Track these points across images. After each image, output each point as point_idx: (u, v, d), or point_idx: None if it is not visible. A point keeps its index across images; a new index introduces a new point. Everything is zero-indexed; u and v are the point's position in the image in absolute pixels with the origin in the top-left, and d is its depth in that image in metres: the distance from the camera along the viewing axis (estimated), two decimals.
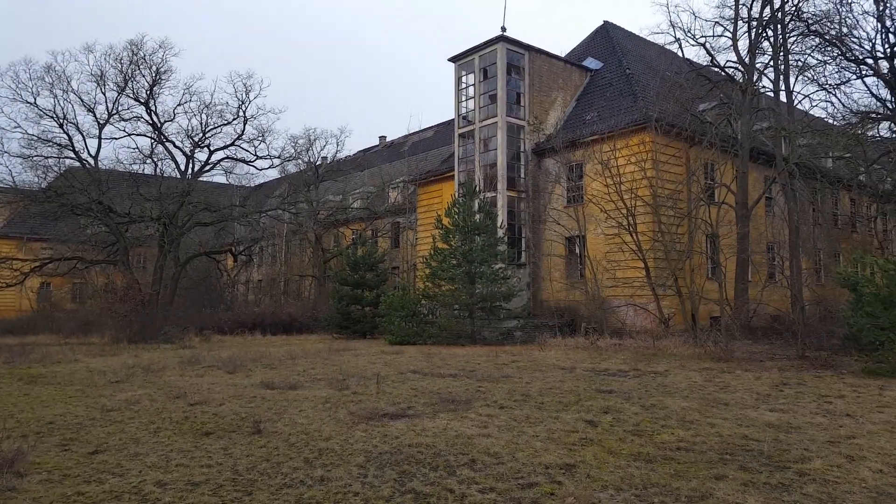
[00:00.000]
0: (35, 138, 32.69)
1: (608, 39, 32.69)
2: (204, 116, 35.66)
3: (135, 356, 18.32)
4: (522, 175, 28.17)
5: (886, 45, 20.33)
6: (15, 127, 32.89)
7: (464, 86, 30.54)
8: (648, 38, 28.79)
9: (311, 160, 40.86)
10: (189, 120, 44.23)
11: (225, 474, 5.88)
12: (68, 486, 5.54)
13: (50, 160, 33.39)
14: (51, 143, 33.06)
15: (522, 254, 27.09)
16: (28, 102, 32.24)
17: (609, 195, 21.91)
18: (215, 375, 13.13)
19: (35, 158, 32.95)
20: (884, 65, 20.44)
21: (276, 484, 5.60)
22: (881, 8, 20.02)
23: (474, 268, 22.16)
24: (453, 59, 30.74)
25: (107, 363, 16.39)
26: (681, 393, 10.11)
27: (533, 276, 26.76)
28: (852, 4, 49.20)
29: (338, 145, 41.78)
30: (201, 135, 35.49)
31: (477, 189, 25.00)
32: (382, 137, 54.27)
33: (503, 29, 28.97)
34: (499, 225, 25.12)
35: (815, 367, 12.65)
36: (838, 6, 21.01)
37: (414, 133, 48.30)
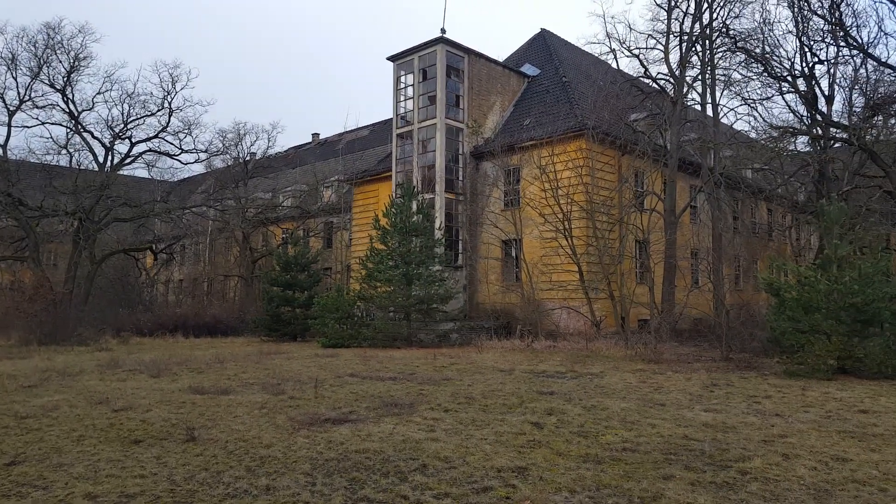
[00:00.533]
0: None
1: (545, 47, 33.36)
2: (126, 106, 33.86)
3: (47, 359, 17.18)
4: (461, 177, 28.26)
5: (804, 65, 21.77)
6: None
7: (403, 86, 30.34)
8: (584, 48, 29.57)
9: (241, 155, 39.46)
10: (109, 110, 41.74)
11: (161, 485, 5.51)
12: None
13: None
14: None
15: (459, 256, 27.19)
16: None
17: (546, 199, 22.31)
18: (139, 380, 12.42)
19: None
20: (801, 83, 21.86)
21: (219, 494, 5.27)
22: (800, 29, 21.41)
23: (412, 269, 22.02)
24: (392, 59, 30.50)
25: (16, 367, 15.22)
26: (618, 394, 10.35)
27: (469, 278, 26.91)
28: (774, 24, 52.57)
29: (269, 141, 40.81)
30: (123, 125, 33.66)
31: (416, 190, 24.87)
32: (315, 135, 53.22)
33: (443, 31, 29.02)
34: (437, 227, 25.11)
35: (740, 368, 13.30)
36: (762, 25, 22.28)
37: (349, 131, 47.60)
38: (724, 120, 24.59)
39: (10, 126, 32.17)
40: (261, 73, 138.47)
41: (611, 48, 24.96)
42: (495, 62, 30.67)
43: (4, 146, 32.11)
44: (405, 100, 30.28)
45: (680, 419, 8.15)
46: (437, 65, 28.47)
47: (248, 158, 40.33)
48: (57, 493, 5.29)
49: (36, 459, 6.29)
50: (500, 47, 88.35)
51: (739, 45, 22.08)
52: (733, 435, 7.16)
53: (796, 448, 6.51)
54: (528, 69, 32.33)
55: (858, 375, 11.52)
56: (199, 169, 40.29)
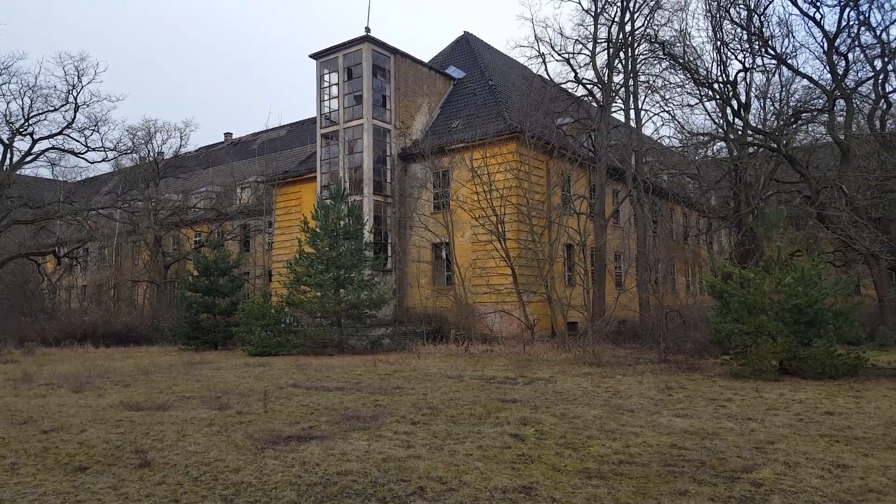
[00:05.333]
0: None
1: (469, 50, 33.49)
2: (27, 100, 30.87)
3: None
4: (389, 179, 27.72)
5: (723, 73, 23.01)
6: None
7: (327, 84, 29.42)
8: (514, 50, 30.10)
9: (151, 154, 36.84)
10: (7, 104, 37.88)
11: None
12: None
13: None
14: None
15: (389, 260, 26.61)
16: None
17: (479, 202, 22.24)
18: (60, 395, 11.26)
19: None
20: (718, 90, 23.07)
21: None
22: (718, 37, 22.61)
23: (343, 274, 21.26)
24: (316, 56, 29.52)
25: None
26: (580, 400, 10.28)
27: (399, 282, 26.40)
28: (693, 34, 55.49)
29: (181, 140, 38.06)
30: (23, 121, 30.69)
31: (345, 192, 24.08)
32: (228, 134, 50.71)
33: (367, 29, 28.39)
34: (368, 229, 24.43)
35: (682, 370, 13.67)
36: (682, 34, 23.39)
37: (265, 131, 45.69)
38: (649, 124, 25.70)
39: None
40: (174, 69, 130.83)
41: (539, 52, 25.39)
42: (422, 63, 30.40)
43: None
44: (329, 99, 29.37)
45: (657, 426, 8.12)
46: (363, 64, 27.81)
47: (158, 157, 37.70)
48: None
49: None
50: (424, 49, 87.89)
51: (666, 51, 23.00)
52: (720, 442, 7.18)
53: (792, 455, 6.56)
54: (454, 71, 32.30)
55: (801, 376, 11.98)
56: (104, 168, 37.55)
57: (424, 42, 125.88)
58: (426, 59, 32.18)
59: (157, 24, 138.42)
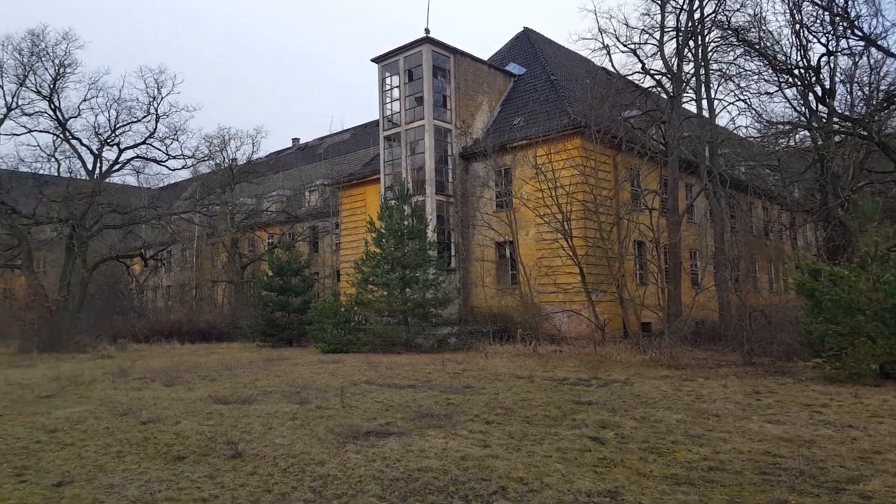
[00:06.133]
0: None
1: (530, 45, 33.11)
2: (113, 112, 32.85)
3: (52, 367, 16.87)
4: (451, 179, 27.75)
5: (803, 57, 21.70)
6: None
7: (388, 87, 29.80)
8: (576, 43, 29.60)
9: (226, 161, 38.46)
10: (96, 116, 40.42)
11: None
12: None
13: None
14: None
15: (452, 259, 26.64)
16: None
17: (543, 199, 21.92)
18: (154, 389, 11.92)
19: None
20: (799, 76, 21.76)
21: None
22: (796, 20, 21.32)
23: (408, 273, 21.45)
24: (377, 60, 29.93)
25: (26, 375, 14.82)
26: (660, 404, 9.93)
27: (463, 281, 26.38)
28: (769, 16, 52.73)
29: (253, 146, 39.48)
30: (110, 132, 32.72)
31: (408, 192, 24.27)
32: (295, 140, 52.20)
33: (427, 31, 28.52)
34: (431, 229, 24.56)
35: (769, 373, 12.94)
36: (758, 18, 22.20)
37: (330, 136, 46.79)
38: (721, 116, 24.62)
39: None
40: (244, 77, 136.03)
41: (604, 44, 24.81)
42: (481, 61, 30.29)
43: None
44: (391, 101, 29.73)
45: (748, 432, 7.72)
46: (424, 65, 27.96)
47: (232, 164, 39.29)
48: None
49: (84, 479, 5.78)
50: (483, 47, 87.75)
51: (740, 38, 21.89)
52: (818, 450, 6.74)
53: None
54: (514, 68, 32.01)
55: None
56: (183, 175, 39.50)
57: (484, 40, 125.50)
58: (486, 57, 32.07)
59: (228, 36, 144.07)
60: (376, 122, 37.22)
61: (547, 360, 16.89)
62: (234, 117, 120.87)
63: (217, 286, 39.60)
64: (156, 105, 33.15)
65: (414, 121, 28.06)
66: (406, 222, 22.30)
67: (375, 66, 29.80)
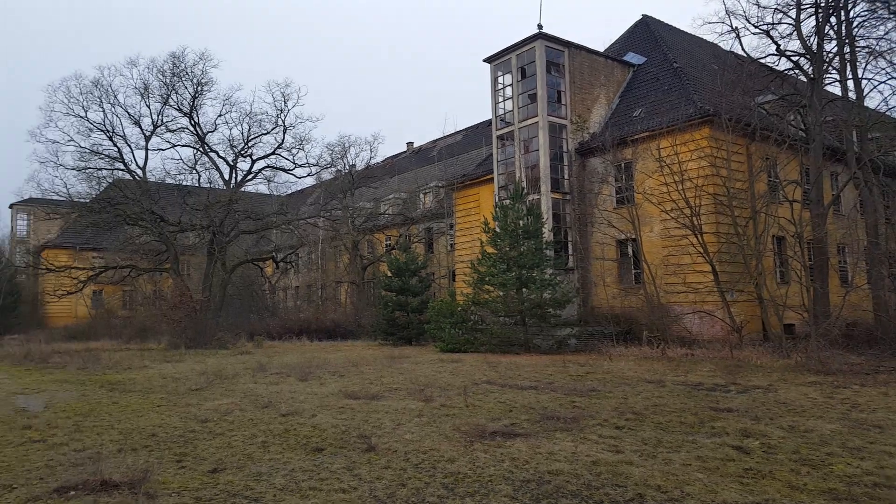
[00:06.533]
0: (87, 151, 33.46)
1: (649, 33, 31.68)
2: (245, 126, 35.55)
3: (199, 362, 18.33)
4: (566, 176, 27.13)
5: None
6: (69, 140, 33.37)
7: (501, 86, 29.76)
8: (701, 28, 27.96)
9: (346, 167, 40.37)
10: (230, 130, 44.21)
11: (368, 503, 5.16)
12: None
13: (102, 172, 33.88)
14: (102, 156, 33.51)
15: (570, 258, 26.03)
16: (79, 116, 32.76)
17: (668, 194, 20.80)
18: (289, 383, 12.72)
19: (88, 170, 33.58)
20: None
21: None
22: None
23: (524, 273, 21.23)
24: (489, 60, 29.99)
25: (176, 369, 16.26)
26: (810, 412, 9.03)
27: (582, 281, 25.68)
28: None
29: (371, 152, 41.21)
30: (243, 144, 35.51)
31: (523, 191, 24.01)
32: (409, 143, 53.59)
33: (539, 27, 28.08)
34: (547, 228, 24.15)
35: None
36: None
37: (442, 138, 47.55)
38: (871, 97, 22.11)
39: (147, 150, 35.03)
40: (361, 83, 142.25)
41: (732, 27, 23.01)
42: (597, 53, 29.40)
43: (144, 168, 35.06)
44: (504, 100, 29.66)
45: None
46: (537, 61, 27.59)
47: (352, 169, 41.13)
48: None
49: (235, 467, 6.21)
50: (598, 39, 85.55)
51: (892, 10, 19.50)
52: None
53: None
54: (633, 58, 30.76)
55: None
56: (308, 182, 42.01)
57: (599, 32, 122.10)
58: (601, 49, 31.08)
59: (345, 46, 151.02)
60: (488, 122, 37.33)
61: (678, 363, 15.99)
62: (352, 124, 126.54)
63: (340, 286, 41.51)
64: (283, 117, 35.46)
65: (527, 118, 27.77)
66: (521, 221, 22.10)
67: (487, 66, 29.87)
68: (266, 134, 35.82)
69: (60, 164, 33.43)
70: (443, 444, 7.12)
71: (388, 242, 40.03)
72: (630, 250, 24.54)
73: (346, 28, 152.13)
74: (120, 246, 37.37)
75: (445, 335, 21.32)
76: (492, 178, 29.45)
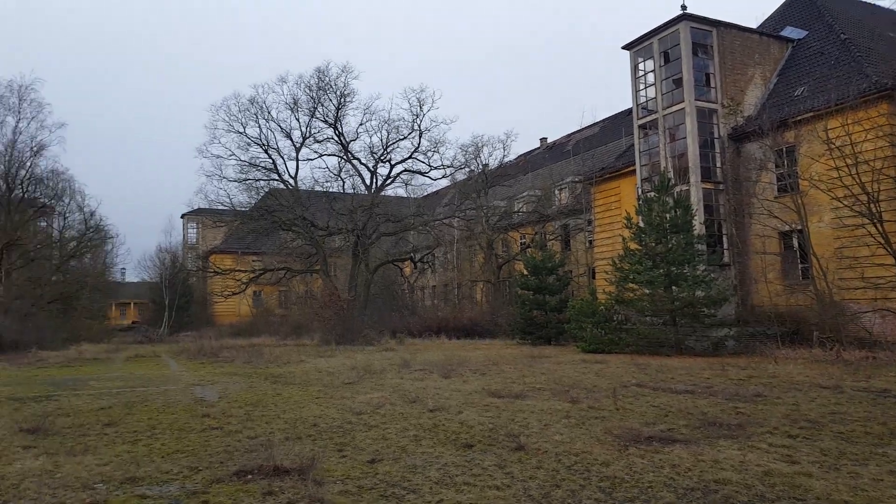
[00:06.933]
0: (246, 164, 36.95)
1: (810, 4, 28.59)
2: (384, 133, 37.17)
3: (349, 358, 19.33)
4: (719, 164, 25.23)
5: None
6: (230, 155, 36.97)
7: (641, 73, 28.46)
8: None
9: (479, 167, 40.80)
10: (370, 137, 46.46)
11: (523, 502, 5.08)
12: (370, 502, 5.11)
13: (259, 182, 37.19)
14: (259, 168, 36.78)
15: (725, 253, 24.14)
16: (239, 132, 36.19)
17: (840, 179, 18.58)
18: (433, 380, 13.03)
19: (247, 181, 37.06)
20: None
21: None
22: None
23: (673, 270, 20.03)
24: (628, 47, 28.82)
25: (329, 364, 17.34)
26: None
27: (740, 277, 23.69)
28: None
29: (504, 150, 41.05)
30: (382, 151, 37.23)
31: (669, 182, 22.66)
32: (543, 139, 52.87)
33: (683, 7, 26.42)
34: (698, 221, 22.61)
35: None
36: None
37: (577, 132, 46.38)
38: None
39: (297, 160, 38.10)
40: (495, 81, 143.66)
41: None
42: (749, 30, 27.10)
43: (295, 178, 38.09)
44: (645, 87, 28.34)
45: None
46: (681, 44, 26.00)
47: (485, 169, 41.46)
48: (428, 499, 5.16)
49: (391, 459, 6.42)
50: (750, 15, 79.13)
51: None
52: None
53: None
54: (791, 32, 27.93)
55: None
56: (442, 183, 43.11)
57: (749, 8, 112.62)
58: (754, 26, 28.58)
59: (477, 44, 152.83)
60: (627, 112, 35.85)
61: (856, 367, 14.21)
62: (485, 124, 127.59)
63: (476, 285, 41.92)
64: (418, 122, 36.67)
65: (672, 105, 26.29)
66: (668, 215, 20.90)
67: (625, 55, 28.73)
68: (403, 139, 37.29)
69: (224, 177, 37.13)
70: (595, 447, 6.86)
71: (523, 241, 39.77)
72: (795, 243, 22.26)
73: (477, 28, 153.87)
74: (276, 250, 40.79)
75: (587, 335, 20.72)
76: (633, 171, 28.25)
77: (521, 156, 51.27)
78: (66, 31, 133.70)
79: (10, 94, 33.56)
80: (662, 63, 27.06)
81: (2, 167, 33.47)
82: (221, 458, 6.52)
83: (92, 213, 41.03)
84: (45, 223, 40.70)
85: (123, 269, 64.49)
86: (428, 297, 47.05)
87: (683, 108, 25.53)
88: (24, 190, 35.22)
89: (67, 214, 41.17)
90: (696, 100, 25.21)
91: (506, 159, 41.76)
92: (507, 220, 40.18)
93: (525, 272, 26.85)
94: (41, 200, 37.30)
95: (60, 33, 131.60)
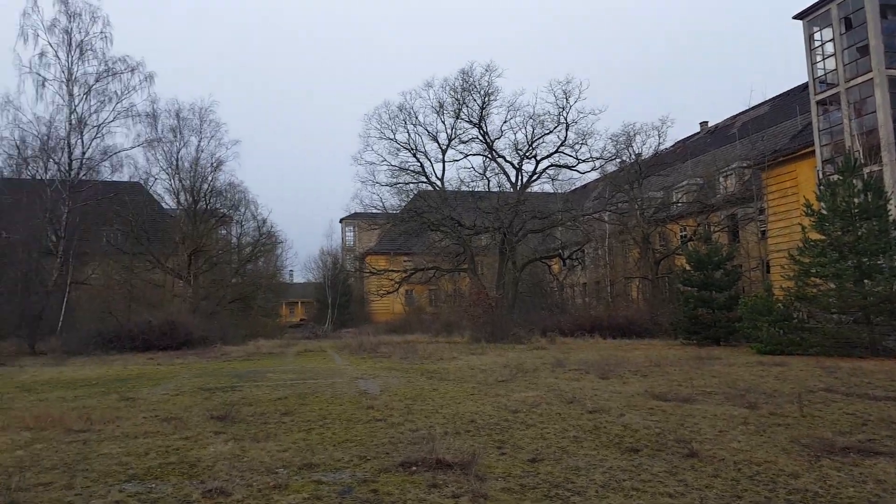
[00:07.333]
0: (397, 168, 38.53)
1: None
2: (529, 128, 36.91)
3: (499, 356, 19.40)
4: None
5: None
6: (382, 161, 38.86)
7: (817, 43, 25.64)
8: None
9: (632, 157, 38.91)
10: (515, 134, 46.30)
11: None
12: (534, 501, 4.96)
13: (409, 186, 38.91)
14: (408, 171, 38.42)
15: None
16: (389, 138, 37.95)
17: None
18: (590, 380, 12.59)
19: (397, 185, 38.81)
20: None
21: None
22: None
23: (865, 261, 17.63)
24: (800, 16, 26.31)
25: (481, 361, 17.48)
26: None
27: None
28: None
29: (659, 138, 38.43)
30: (527, 147, 36.98)
31: (856, 163, 19.95)
32: (703, 123, 49.18)
33: None
34: (894, 205, 19.70)
35: None
36: None
37: (743, 112, 42.55)
38: None
39: (444, 162, 39.18)
40: (649, 65, 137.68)
41: None
42: None
43: (442, 179, 39.17)
44: (823, 59, 25.55)
45: None
46: (866, 6, 23.20)
47: (638, 159, 39.45)
48: (595, 502, 4.92)
49: (552, 459, 6.22)
50: None
51: None
52: None
53: None
54: None
55: None
56: (591, 176, 41.69)
57: None
58: None
59: (632, 32, 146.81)
60: (801, 88, 32.36)
61: None
62: (638, 111, 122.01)
63: (631, 282, 40.03)
64: (564, 115, 35.85)
65: (857, 76, 23.44)
66: (856, 199, 18.50)
67: (798, 25, 26.08)
68: (548, 133, 36.67)
69: (376, 182, 38.93)
70: (780, 457, 6.13)
71: (684, 233, 37.25)
72: None
73: (622, 17, 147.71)
74: (425, 250, 42.12)
75: (763, 335, 18.86)
76: (812, 152, 25.51)
77: (678, 142, 48.10)
78: (235, 60, 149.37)
79: (193, 116, 38.08)
80: (843, 30, 24.33)
81: (188, 182, 38.07)
82: (387, 448, 6.72)
83: (264, 221, 45.45)
84: (225, 231, 45.81)
85: (291, 270, 70.58)
86: (578, 295, 45.84)
87: (871, 79, 22.80)
88: (207, 202, 39.78)
89: (243, 223, 46.08)
90: (886, 69, 22.32)
91: (661, 147, 39.23)
92: (664, 212, 37.87)
93: (688, 267, 25.08)
94: (221, 211, 41.94)
95: (232, 63, 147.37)
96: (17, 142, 33.17)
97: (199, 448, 6.88)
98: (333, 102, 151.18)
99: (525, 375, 13.54)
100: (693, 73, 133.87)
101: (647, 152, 38.84)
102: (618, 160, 38.70)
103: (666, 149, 40.57)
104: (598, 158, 37.07)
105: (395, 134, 37.78)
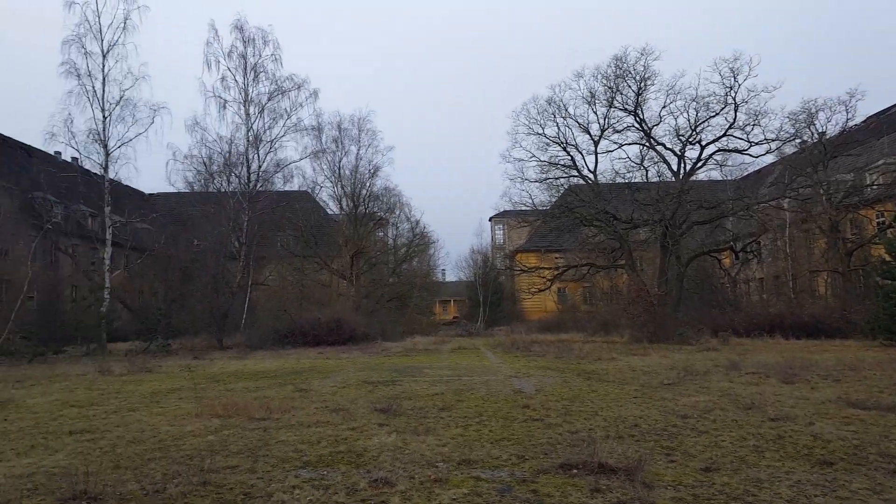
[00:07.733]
0: (546, 163, 37.95)
1: None
2: (693, 112, 34.43)
3: (664, 357, 18.45)
4: None
5: None
6: (531, 157, 38.57)
7: None
8: None
9: (814, 136, 34.71)
10: (675, 119, 43.30)
11: None
12: None
13: (559, 181, 38.15)
14: (558, 166, 37.66)
15: None
16: (538, 133, 37.51)
17: None
18: (771, 385, 11.36)
19: (547, 181, 38.19)
20: None
21: None
22: None
23: None
24: None
25: (643, 363, 16.69)
26: None
27: None
28: None
29: (847, 113, 33.76)
30: (691, 131, 34.65)
31: None
32: None
33: None
34: None
35: None
36: None
37: None
38: None
39: (596, 154, 37.80)
40: (820, 38, 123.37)
41: None
42: None
43: (594, 172, 37.94)
44: None
45: None
46: None
47: (822, 137, 35.12)
48: None
49: (729, 469, 5.65)
50: None
51: None
52: None
53: None
54: None
55: None
56: (766, 160, 37.69)
57: None
58: None
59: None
60: None
61: None
62: (823, 84, 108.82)
63: (817, 276, 35.79)
64: (733, 94, 32.93)
65: None
66: None
67: None
68: (714, 116, 33.83)
69: (525, 179, 38.51)
70: None
71: (881, 219, 32.46)
72: None
73: None
74: (578, 246, 41.00)
75: None
76: None
77: (870, 117, 42.09)
78: (390, 65, 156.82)
79: (353, 126, 40.71)
80: None
81: (349, 188, 40.75)
82: (545, 449, 6.49)
83: (417, 222, 47.28)
84: (382, 233, 48.53)
85: (444, 269, 72.76)
86: (754, 292, 41.92)
87: None
88: (366, 206, 42.44)
89: (398, 224, 48.37)
90: None
91: (850, 123, 34.51)
92: (856, 196, 33.28)
93: (888, 258, 21.80)
94: (378, 214, 44.52)
95: (387, 68, 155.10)
96: (205, 159, 37.78)
97: (364, 438, 7.15)
98: (482, 102, 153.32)
99: (694, 378, 12.54)
100: (889, 37, 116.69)
101: (832, 130, 34.50)
102: (797, 141, 34.78)
103: (856, 125, 35.67)
104: (773, 140, 33.45)
105: (543, 129, 37.24)
